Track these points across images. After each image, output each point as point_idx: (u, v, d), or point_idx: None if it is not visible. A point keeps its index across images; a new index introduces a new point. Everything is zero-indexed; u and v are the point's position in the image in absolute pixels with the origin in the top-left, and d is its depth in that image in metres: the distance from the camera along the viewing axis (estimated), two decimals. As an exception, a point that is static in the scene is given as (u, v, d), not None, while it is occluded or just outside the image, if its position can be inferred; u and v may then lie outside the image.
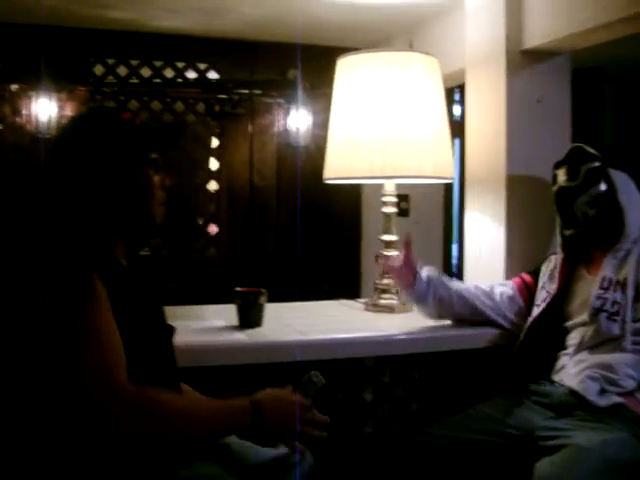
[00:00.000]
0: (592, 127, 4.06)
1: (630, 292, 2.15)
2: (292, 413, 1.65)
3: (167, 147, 1.79)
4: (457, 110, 4.19)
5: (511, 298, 2.46)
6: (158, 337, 1.66)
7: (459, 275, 3.10)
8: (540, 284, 2.42)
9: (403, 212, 4.20)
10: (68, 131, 1.70)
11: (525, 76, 2.79)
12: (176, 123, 1.78)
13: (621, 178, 2.23)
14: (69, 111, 4.08)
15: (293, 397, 1.67)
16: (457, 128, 3.58)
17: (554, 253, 2.44)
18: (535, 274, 2.47)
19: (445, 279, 2.44)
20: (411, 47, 3.71)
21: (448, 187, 4.35)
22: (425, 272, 2.41)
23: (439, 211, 4.46)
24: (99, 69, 4.27)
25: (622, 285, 2.17)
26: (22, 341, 1.48)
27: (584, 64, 3.83)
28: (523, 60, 2.78)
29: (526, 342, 2.35)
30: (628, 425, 1.97)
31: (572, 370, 2.19)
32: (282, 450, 1.75)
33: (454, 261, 4.45)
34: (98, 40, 4.11)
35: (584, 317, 2.23)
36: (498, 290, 2.47)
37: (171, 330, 1.78)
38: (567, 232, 2.31)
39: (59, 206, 1.62)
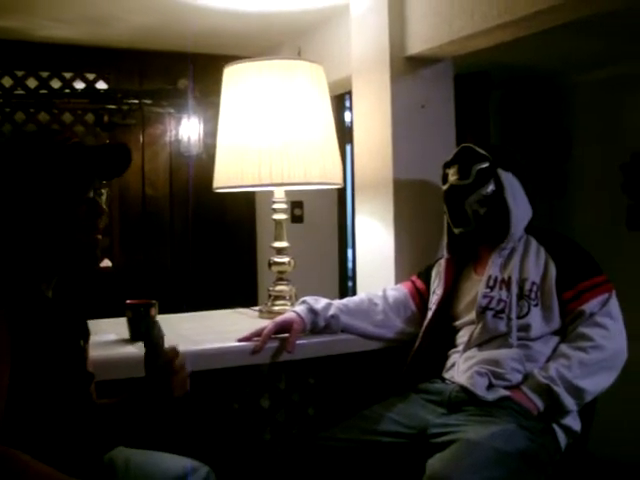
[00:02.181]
0: (478, 130, 4.17)
1: (514, 290, 2.22)
2: None
3: (114, 174, 1.64)
4: (348, 116, 4.24)
5: (403, 304, 2.51)
6: (66, 383, 1.54)
7: (354, 278, 3.13)
8: (432, 289, 2.47)
9: (297, 219, 4.23)
10: None
11: (409, 82, 2.83)
12: (119, 144, 1.59)
13: (508, 178, 2.29)
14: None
15: None
16: (348, 134, 3.63)
17: (442, 257, 2.49)
18: (426, 278, 2.53)
19: (334, 323, 2.40)
20: (299, 55, 3.73)
21: (342, 192, 4.39)
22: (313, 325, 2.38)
23: (333, 217, 4.49)
24: (-18, 80, 4.14)
25: (507, 283, 2.25)
26: None
27: (470, 69, 3.93)
28: (407, 66, 2.83)
29: (420, 346, 2.40)
30: (514, 417, 2.04)
31: (462, 367, 2.25)
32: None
33: (350, 265, 4.49)
34: (-20, 50, 3.99)
35: (472, 316, 2.30)
36: (391, 295, 2.51)
37: (89, 378, 1.70)
38: (457, 230, 2.36)
39: None
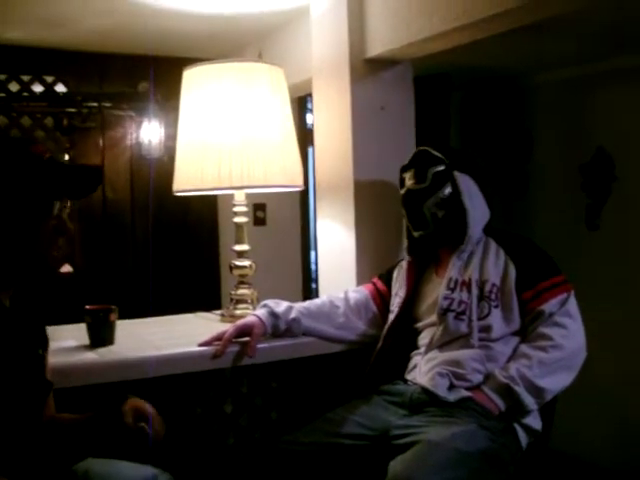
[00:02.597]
0: (439, 132, 4.18)
1: (475, 291, 2.23)
2: None
3: (83, 194, 1.65)
4: (310, 118, 4.23)
5: (365, 305, 2.50)
6: (22, 393, 1.53)
7: (317, 280, 3.13)
8: (394, 291, 2.47)
9: (260, 221, 4.22)
10: None
11: (369, 84, 2.83)
12: (92, 166, 1.63)
13: (465, 181, 2.30)
14: None
15: None
16: (311, 136, 3.62)
17: (403, 259, 2.50)
18: (387, 280, 2.53)
19: (295, 326, 2.39)
20: (260, 57, 3.73)
21: (304, 195, 4.38)
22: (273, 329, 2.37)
23: (296, 219, 4.49)
24: (-62, 84, 4.07)
25: (467, 285, 2.26)
26: None
27: (431, 71, 3.94)
28: (366, 68, 2.83)
29: (383, 348, 2.40)
30: (475, 417, 2.05)
31: (423, 368, 2.25)
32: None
33: (313, 267, 4.49)
34: (-64, 55, 3.92)
35: (433, 318, 2.30)
36: (352, 297, 2.51)
37: (48, 387, 1.68)
38: (416, 234, 2.37)
39: None
